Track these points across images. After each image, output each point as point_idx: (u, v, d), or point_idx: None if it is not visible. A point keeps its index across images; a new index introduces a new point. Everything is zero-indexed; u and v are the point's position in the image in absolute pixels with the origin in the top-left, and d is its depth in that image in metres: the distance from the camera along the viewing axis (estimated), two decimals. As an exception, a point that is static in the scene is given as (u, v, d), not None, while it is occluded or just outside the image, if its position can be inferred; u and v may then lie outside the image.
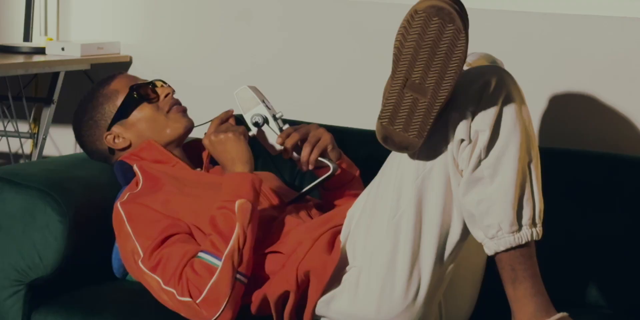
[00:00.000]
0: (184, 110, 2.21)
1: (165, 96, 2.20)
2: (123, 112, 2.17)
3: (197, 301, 1.85)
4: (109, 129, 2.19)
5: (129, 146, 2.18)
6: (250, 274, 1.94)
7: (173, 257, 1.90)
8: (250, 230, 1.90)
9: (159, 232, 1.95)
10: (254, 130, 2.09)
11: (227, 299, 1.85)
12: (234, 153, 1.99)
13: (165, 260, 1.90)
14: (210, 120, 2.14)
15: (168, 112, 2.18)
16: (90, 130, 2.21)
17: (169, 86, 2.23)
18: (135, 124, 2.18)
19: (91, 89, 2.25)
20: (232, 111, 2.13)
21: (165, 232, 1.95)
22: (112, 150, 2.20)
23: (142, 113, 2.17)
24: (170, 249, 1.92)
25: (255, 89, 2.12)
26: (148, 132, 2.17)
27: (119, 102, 2.18)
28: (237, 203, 1.90)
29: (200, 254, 1.89)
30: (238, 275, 1.87)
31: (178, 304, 1.88)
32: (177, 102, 2.22)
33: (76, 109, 2.24)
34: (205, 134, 2.06)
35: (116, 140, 2.19)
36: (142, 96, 2.18)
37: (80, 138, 2.24)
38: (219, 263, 1.86)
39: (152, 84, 2.22)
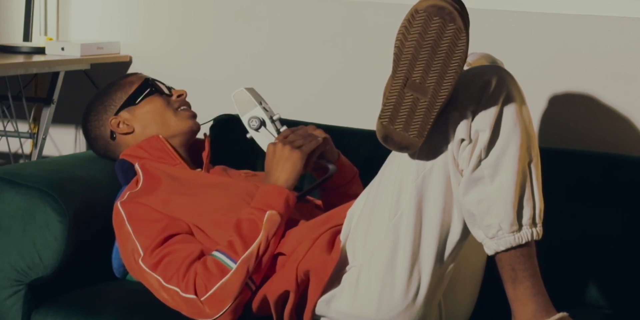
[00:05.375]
0: (193, 115, 2.23)
1: (179, 96, 2.23)
2: (133, 99, 2.20)
3: (202, 298, 1.86)
4: (117, 113, 2.20)
5: (132, 132, 2.19)
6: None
7: (176, 256, 1.91)
8: (273, 242, 1.91)
9: (160, 232, 1.95)
10: (251, 133, 2.09)
11: (232, 301, 1.85)
12: (288, 169, 1.99)
13: (168, 259, 1.91)
14: (213, 119, 2.13)
15: (177, 109, 2.21)
16: (98, 115, 2.23)
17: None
18: (142, 114, 2.20)
19: (109, 83, 2.29)
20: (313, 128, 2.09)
21: (165, 231, 1.95)
22: (113, 137, 2.21)
23: (151, 104, 2.20)
24: (172, 248, 1.92)
25: (252, 91, 2.12)
26: (153, 124, 2.19)
27: (131, 90, 2.21)
28: (267, 213, 1.92)
29: (215, 253, 1.89)
30: (248, 282, 1.88)
31: (180, 301, 1.88)
32: (189, 105, 2.25)
33: (95, 95, 2.28)
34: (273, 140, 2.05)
35: (120, 125, 2.21)
36: (155, 87, 2.21)
37: (85, 124, 2.26)
38: (232, 265, 1.86)
39: (169, 87, 2.27)
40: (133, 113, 2.20)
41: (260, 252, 1.89)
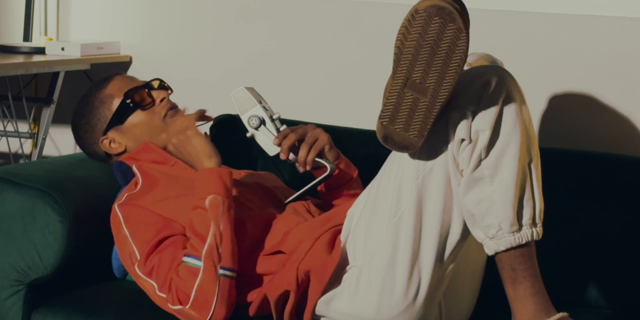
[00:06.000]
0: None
1: (161, 100, 2.18)
2: (118, 118, 2.17)
3: (187, 306, 1.86)
4: (105, 133, 2.18)
5: (125, 151, 2.18)
6: (251, 274, 1.94)
7: (163, 263, 1.91)
8: (225, 223, 1.90)
9: (154, 235, 1.95)
10: (251, 132, 2.08)
11: (215, 297, 1.85)
12: (198, 150, 2.01)
13: (157, 266, 1.91)
14: (213, 119, 2.11)
15: (164, 116, 2.17)
16: (87, 134, 2.21)
17: (167, 87, 2.22)
18: (130, 130, 2.17)
19: (88, 91, 2.24)
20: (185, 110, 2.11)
21: (159, 234, 1.95)
22: (109, 154, 2.20)
23: (137, 118, 2.17)
24: (161, 255, 1.92)
25: (252, 90, 2.11)
26: (144, 137, 2.16)
27: (113, 107, 2.17)
28: (207, 200, 1.91)
29: (184, 258, 1.89)
30: (222, 271, 1.87)
31: (171, 311, 1.89)
32: (173, 106, 2.20)
33: (74, 111, 2.24)
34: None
35: (112, 145, 2.18)
36: (136, 103, 2.16)
37: (78, 140, 2.24)
38: (200, 264, 1.86)
39: (148, 87, 2.20)
40: (121, 130, 2.18)
41: (218, 241, 1.88)
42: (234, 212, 1.94)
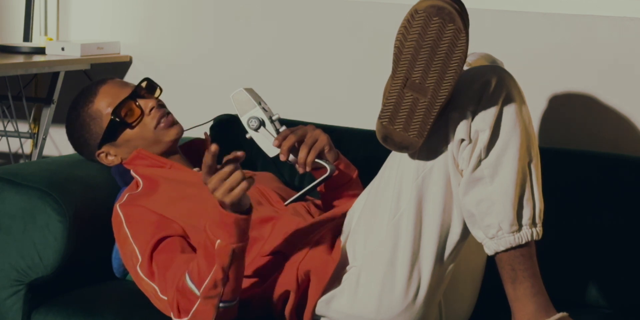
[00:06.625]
0: (171, 122, 2.17)
1: (151, 110, 2.16)
2: (110, 136, 2.16)
3: (186, 319, 1.85)
4: (99, 147, 2.18)
5: (120, 163, 2.19)
6: (251, 274, 1.94)
7: (163, 267, 1.90)
8: (233, 271, 1.80)
9: (152, 235, 1.95)
10: (251, 133, 2.08)
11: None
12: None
13: (158, 270, 1.90)
14: (213, 119, 2.08)
15: (156, 127, 2.16)
16: (82, 147, 2.21)
17: (156, 86, 2.21)
18: (124, 143, 2.17)
19: (76, 102, 2.21)
20: (242, 155, 1.79)
21: (156, 235, 1.94)
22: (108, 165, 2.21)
23: (129, 134, 2.16)
24: (161, 258, 1.91)
25: (251, 91, 2.11)
26: (139, 147, 2.16)
27: (104, 124, 2.16)
28: (216, 243, 1.78)
29: (186, 277, 1.84)
30: (222, 304, 1.83)
31: (172, 316, 1.88)
32: (163, 114, 2.17)
33: (66, 120, 2.23)
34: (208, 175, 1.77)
35: (109, 157, 2.19)
36: (124, 121, 2.15)
37: (76, 150, 2.25)
38: (198, 293, 1.82)
39: (136, 95, 2.17)
40: (115, 144, 2.18)
41: (219, 283, 1.80)
42: (245, 254, 1.83)
